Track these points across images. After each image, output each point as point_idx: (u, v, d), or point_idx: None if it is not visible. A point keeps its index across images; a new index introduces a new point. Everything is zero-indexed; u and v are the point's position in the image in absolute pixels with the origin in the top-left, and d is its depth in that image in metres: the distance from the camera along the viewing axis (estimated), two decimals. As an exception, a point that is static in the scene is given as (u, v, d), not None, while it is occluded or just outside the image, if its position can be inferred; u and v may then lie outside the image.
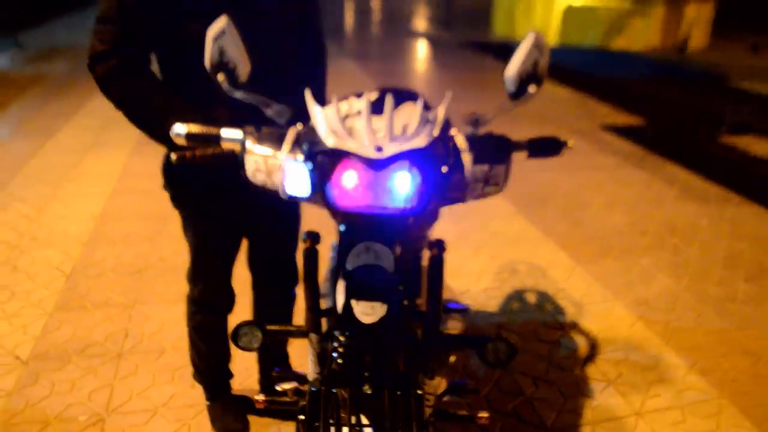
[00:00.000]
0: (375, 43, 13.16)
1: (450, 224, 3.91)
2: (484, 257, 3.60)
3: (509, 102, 1.29)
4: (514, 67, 1.25)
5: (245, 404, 2.32)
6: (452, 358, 2.61)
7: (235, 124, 1.31)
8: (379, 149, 1.10)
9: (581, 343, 2.80)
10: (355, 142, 1.11)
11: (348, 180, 1.13)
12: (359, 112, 1.16)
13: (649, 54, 11.52)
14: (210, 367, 2.28)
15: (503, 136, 1.34)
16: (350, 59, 10.16)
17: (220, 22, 1.18)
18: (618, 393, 2.49)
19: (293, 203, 2.04)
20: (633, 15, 11.84)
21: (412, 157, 1.12)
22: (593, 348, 2.77)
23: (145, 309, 3.00)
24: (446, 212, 1.52)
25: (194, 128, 1.30)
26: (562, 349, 2.77)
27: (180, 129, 1.30)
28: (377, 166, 1.11)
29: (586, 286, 3.29)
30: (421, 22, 15.72)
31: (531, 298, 3.18)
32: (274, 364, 2.38)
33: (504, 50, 1.27)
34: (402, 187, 1.13)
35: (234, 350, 2.27)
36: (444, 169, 1.20)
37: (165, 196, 1.92)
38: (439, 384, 1.78)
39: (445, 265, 1.31)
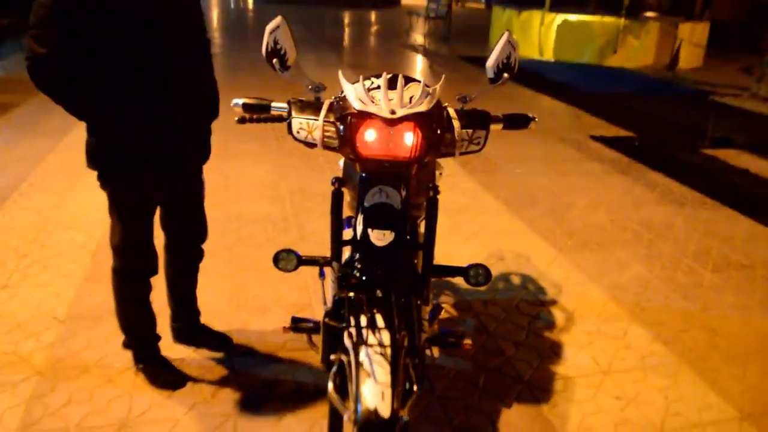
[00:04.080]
0: (374, 56, 13.58)
1: (443, 218, 4.24)
2: (474, 246, 3.94)
3: (489, 85, 1.75)
4: (492, 59, 1.72)
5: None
6: (443, 314, 2.95)
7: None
8: (393, 112, 1.52)
9: (558, 317, 3.14)
10: (375, 107, 1.54)
11: (369, 134, 1.56)
12: (378, 87, 1.59)
13: (642, 71, 11.92)
14: (143, 331, 2.56)
15: (484, 111, 1.79)
16: (349, 71, 10.57)
17: (276, 20, 1.62)
18: (588, 356, 2.82)
19: (198, 172, 2.44)
20: (628, 32, 12.25)
21: (416, 118, 1.54)
22: (569, 321, 3.11)
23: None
24: (440, 206, 1.85)
25: (249, 100, 1.78)
26: (541, 321, 3.10)
27: (237, 101, 1.79)
28: (391, 123, 1.53)
29: (565, 272, 3.63)
30: (419, 37, 16.16)
31: (515, 280, 3.52)
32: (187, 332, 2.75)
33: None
34: (408, 139, 1.55)
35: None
36: (439, 130, 1.62)
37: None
38: (433, 331, 2.11)
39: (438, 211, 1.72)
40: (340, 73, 1.69)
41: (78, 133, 6.19)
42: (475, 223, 4.29)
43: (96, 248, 3.67)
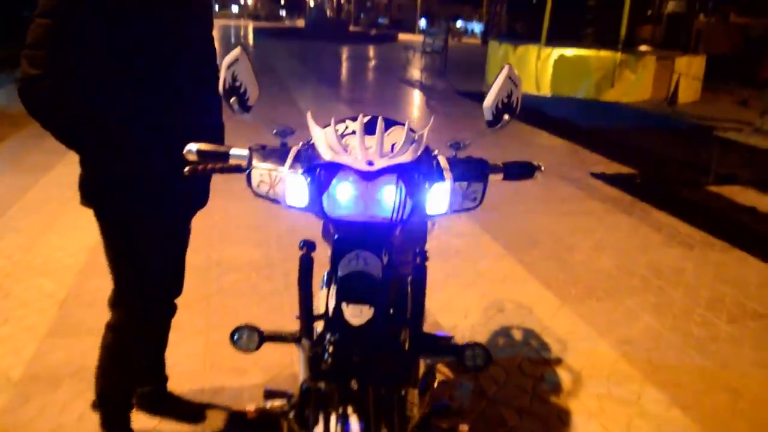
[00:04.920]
0: (371, 90, 13.45)
1: (439, 262, 3.99)
2: (472, 295, 3.67)
3: (487, 129, 1.47)
4: (490, 98, 1.42)
5: None
6: (435, 384, 2.66)
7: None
8: (371, 163, 1.24)
9: (565, 378, 2.86)
10: (349, 157, 1.26)
11: (342, 191, 1.28)
12: (354, 132, 1.31)
13: (639, 106, 11.80)
14: (121, 396, 2.27)
15: (481, 159, 1.48)
16: (345, 105, 10.40)
17: (235, 52, 1.35)
18: (600, 426, 2.53)
19: (185, 220, 2.20)
20: (624, 66, 12.14)
21: (399, 171, 1.27)
22: (576, 383, 2.83)
23: (136, 336, 3.04)
24: (436, 251, 1.62)
25: (204, 146, 1.46)
26: (546, 383, 2.82)
27: (192, 147, 1.46)
28: (368, 177, 1.25)
29: (570, 324, 3.36)
30: (416, 72, 16.09)
31: (517, 335, 3.25)
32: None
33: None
34: (389, 198, 1.28)
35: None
36: (427, 184, 1.34)
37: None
38: (424, 405, 1.83)
39: (428, 278, 1.43)
40: (309, 115, 1.41)
41: (62, 169, 6.06)
42: (473, 269, 4.03)
43: (65, 297, 3.40)
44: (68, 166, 6.46)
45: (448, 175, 1.39)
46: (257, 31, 39.25)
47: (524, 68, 12.68)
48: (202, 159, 1.45)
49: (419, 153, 1.31)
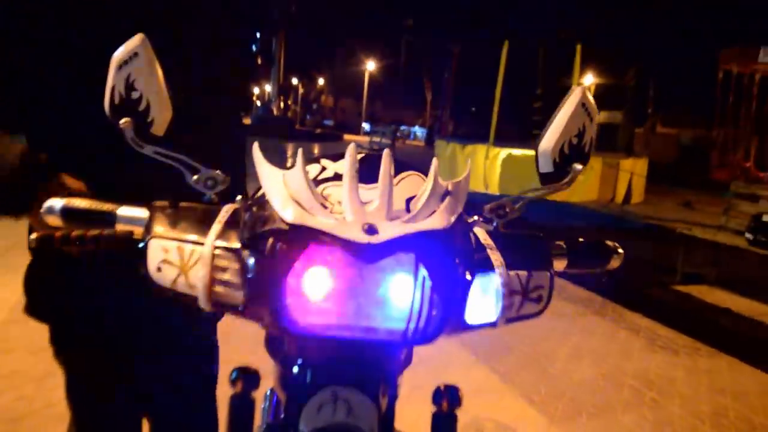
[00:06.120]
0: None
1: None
2: (444, 413, 3.07)
3: (543, 188, 0.87)
4: (554, 135, 0.85)
5: None
6: None
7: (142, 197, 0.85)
8: (371, 230, 0.67)
9: None
10: (330, 218, 0.68)
11: (314, 281, 0.69)
12: (337, 177, 0.75)
13: (587, 205, 11.78)
14: None
15: (536, 234, 0.90)
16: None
17: (133, 42, 0.77)
18: None
19: (208, 326, 1.52)
20: (572, 167, 12.24)
21: (421, 247, 0.69)
22: None
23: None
24: None
25: (78, 203, 0.85)
26: None
27: (55, 204, 0.85)
28: (366, 256, 0.67)
29: (566, 450, 2.79)
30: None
31: (504, 465, 2.66)
32: None
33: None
34: (404, 295, 0.70)
35: None
36: (467, 274, 0.75)
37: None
38: None
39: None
40: (255, 147, 0.79)
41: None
42: (440, 379, 3.44)
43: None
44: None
45: (497, 259, 0.79)
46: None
47: (472, 167, 12.57)
48: (68, 223, 0.84)
49: (454, 218, 0.74)
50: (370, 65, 50.81)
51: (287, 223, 0.68)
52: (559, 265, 0.92)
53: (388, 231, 0.67)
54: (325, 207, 0.69)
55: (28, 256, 1.32)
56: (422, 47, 34.56)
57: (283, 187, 0.72)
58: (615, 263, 0.97)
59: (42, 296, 1.34)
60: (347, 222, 0.67)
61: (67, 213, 0.84)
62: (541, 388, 3.45)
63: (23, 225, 1.20)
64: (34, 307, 1.35)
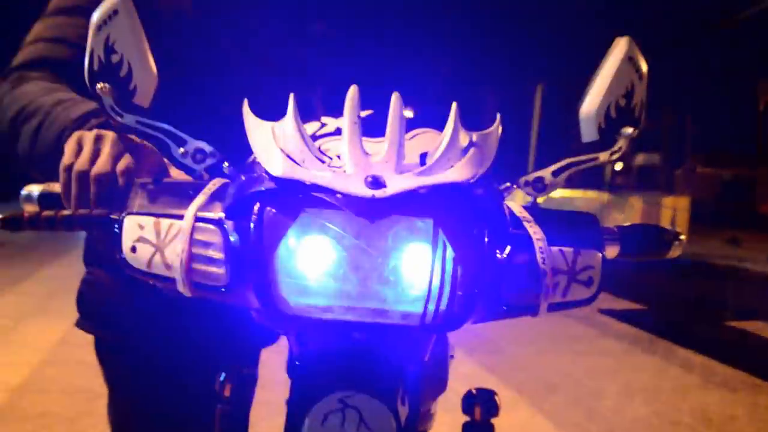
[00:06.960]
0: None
1: (441, 414, 3.23)
2: (487, 453, 2.90)
3: (588, 155, 0.73)
4: (596, 96, 0.72)
5: None
6: None
7: None
8: (376, 182, 0.56)
9: None
10: (326, 170, 0.57)
11: (309, 252, 0.59)
12: (337, 132, 0.64)
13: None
14: None
15: (585, 213, 0.76)
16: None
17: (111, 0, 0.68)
18: None
19: (252, 356, 1.43)
20: (612, 207, 12.02)
21: (438, 203, 0.58)
22: None
23: None
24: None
25: (57, 188, 0.77)
26: None
27: (32, 189, 0.78)
28: (371, 214, 0.56)
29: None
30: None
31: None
32: None
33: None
34: (420, 270, 0.59)
35: None
36: (500, 246, 0.62)
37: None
38: None
39: None
40: (245, 105, 0.67)
41: (3, 300, 5.31)
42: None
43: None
44: (15, 296, 5.65)
45: (536, 232, 0.65)
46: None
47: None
48: (48, 205, 0.75)
49: (479, 171, 0.62)
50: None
51: (277, 181, 0.58)
52: (611, 251, 0.79)
53: (397, 184, 0.56)
54: (322, 161, 0.59)
55: (68, 299, 1.26)
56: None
57: (271, 139, 0.61)
58: (676, 251, 0.83)
59: (92, 307, 1.28)
60: (347, 174, 0.56)
61: (44, 199, 0.78)
62: (590, 426, 3.24)
63: (66, 269, 1.14)
64: (84, 318, 1.29)
